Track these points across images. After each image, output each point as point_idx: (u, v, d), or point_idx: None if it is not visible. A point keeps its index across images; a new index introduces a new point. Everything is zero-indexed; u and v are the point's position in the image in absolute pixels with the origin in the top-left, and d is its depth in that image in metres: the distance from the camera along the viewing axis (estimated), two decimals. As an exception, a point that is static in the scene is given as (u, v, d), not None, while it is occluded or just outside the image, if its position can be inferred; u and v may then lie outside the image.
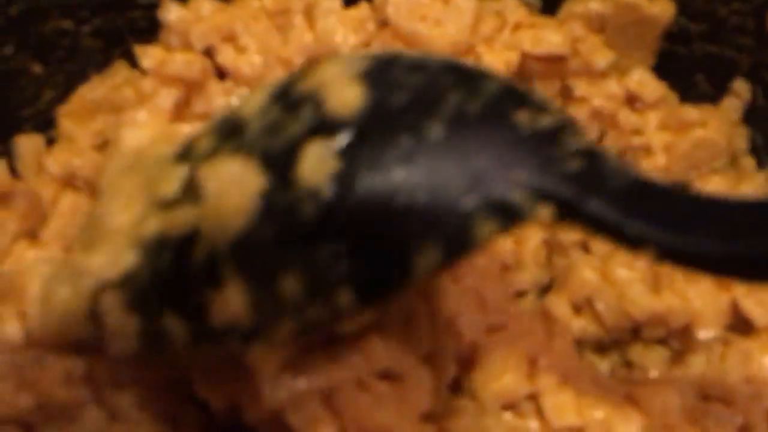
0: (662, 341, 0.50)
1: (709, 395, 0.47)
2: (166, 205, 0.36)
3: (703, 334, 0.47)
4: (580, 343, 0.50)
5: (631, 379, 0.50)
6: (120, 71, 0.56)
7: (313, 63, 0.36)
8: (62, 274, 0.39)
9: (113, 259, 0.36)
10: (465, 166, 0.31)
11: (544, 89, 0.60)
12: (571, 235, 0.51)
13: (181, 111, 0.54)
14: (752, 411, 0.46)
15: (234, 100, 0.48)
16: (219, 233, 0.33)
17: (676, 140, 0.57)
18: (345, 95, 0.33)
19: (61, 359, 0.38)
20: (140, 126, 0.51)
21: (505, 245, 0.51)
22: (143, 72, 0.52)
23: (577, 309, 0.50)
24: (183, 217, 0.34)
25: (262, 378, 0.34)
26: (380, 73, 0.34)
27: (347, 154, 0.31)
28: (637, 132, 0.58)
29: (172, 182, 0.36)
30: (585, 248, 0.51)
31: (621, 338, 0.51)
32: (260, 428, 0.37)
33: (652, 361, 0.50)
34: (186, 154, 0.37)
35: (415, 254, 0.31)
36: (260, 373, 0.34)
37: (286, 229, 0.32)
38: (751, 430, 0.45)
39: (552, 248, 0.52)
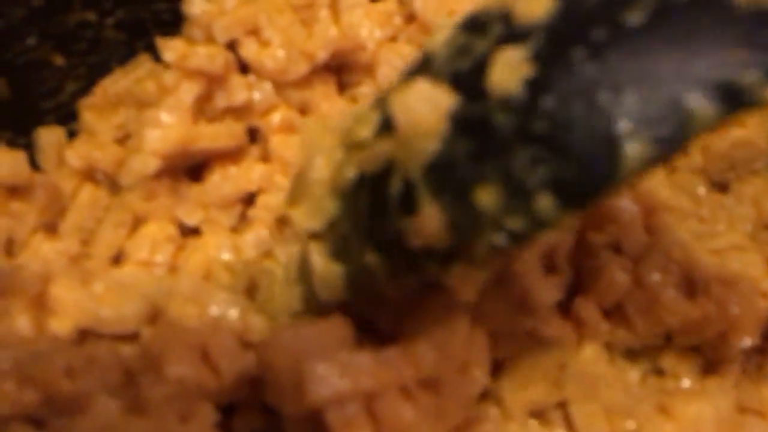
0: (696, 349, 0.48)
1: (745, 407, 0.45)
2: (362, 147, 0.37)
3: (740, 343, 0.45)
4: (610, 349, 0.48)
5: (662, 388, 0.48)
6: (143, 64, 0.56)
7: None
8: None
9: (316, 210, 0.39)
10: (675, 50, 0.29)
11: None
12: (601, 236, 0.49)
13: (202, 106, 0.53)
14: (791, 424, 0.44)
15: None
16: (413, 159, 0.32)
17: (714, 140, 0.55)
18: (533, 3, 0.31)
19: (62, 352, 0.38)
20: (164, 126, 0.50)
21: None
22: (166, 65, 0.52)
23: (607, 313, 0.48)
24: (378, 153, 0.35)
25: (306, 373, 0.34)
26: None
27: (539, 57, 0.30)
28: (673, 131, 0.56)
29: (367, 126, 0.37)
30: (616, 249, 0.49)
31: (652, 344, 0.49)
32: (295, 428, 0.36)
33: (685, 369, 0.48)
34: (380, 101, 0.38)
35: (621, 151, 0.29)
36: (310, 366, 0.34)
37: (481, 142, 0.31)
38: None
39: (581, 249, 0.50)
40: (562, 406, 0.44)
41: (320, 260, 0.39)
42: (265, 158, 0.54)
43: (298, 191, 0.41)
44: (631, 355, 0.50)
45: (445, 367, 0.37)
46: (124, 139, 0.54)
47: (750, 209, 0.52)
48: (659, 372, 0.49)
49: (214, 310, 0.42)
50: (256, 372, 0.40)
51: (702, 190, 0.53)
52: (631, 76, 0.29)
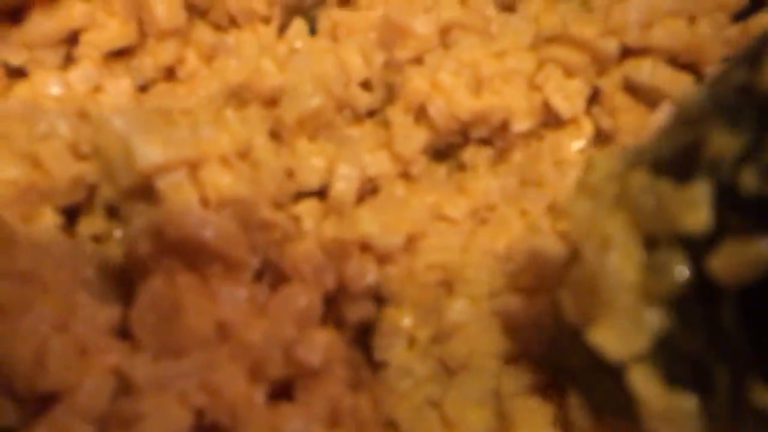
0: (488, 141, 0.56)
1: (526, 180, 0.54)
2: (694, 241, 0.29)
3: (518, 127, 0.53)
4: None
5: (464, 177, 0.56)
6: None
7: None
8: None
9: (632, 327, 0.30)
10: None
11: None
12: (404, 52, 0.55)
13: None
14: (560, 189, 0.53)
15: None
16: None
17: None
18: None
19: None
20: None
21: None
22: None
23: (414, 118, 0.55)
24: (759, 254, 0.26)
25: (134, 146, 0.37)
26: None
27: None
28: None
29: (699, 211, 0.28)
30: (418, 62, 0.56)
31: (454, 142, 0.56)
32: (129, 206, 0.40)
33: (481, 160, 0.56)
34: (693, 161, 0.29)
35: None
36: (137, 138, 0.37)
37: None
38: (557, 205, 0.52)
39: (389, 66, 0.57)
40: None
41: (653, 390, 0.30)
42: (85, -4, 0.55)
43: (590, 304, 0.32)
44: (439, 155, 0.57)
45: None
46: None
47: (532, 24, 0.60)
48: (461, 167, 0.58)
49: (43, 127, 0.44)
50: (92, 178, 0.44)
51: (491, 11, 0.61)
52: None
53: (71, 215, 0.45)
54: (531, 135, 0.55)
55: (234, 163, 0.40)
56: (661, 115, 0.54)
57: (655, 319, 0.30)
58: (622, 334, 0.30)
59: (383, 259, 0.46)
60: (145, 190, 0.39)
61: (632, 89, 0.55)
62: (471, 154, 0.57)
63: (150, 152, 0.38)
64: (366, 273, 0.45)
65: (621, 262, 0.31)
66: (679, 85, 0.53)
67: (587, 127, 0.54)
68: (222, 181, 0.39)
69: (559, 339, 0.37)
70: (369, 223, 0.46)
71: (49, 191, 0.43)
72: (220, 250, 0.38)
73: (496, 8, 0.62)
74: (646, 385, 0.31)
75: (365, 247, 0.46)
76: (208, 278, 0.39)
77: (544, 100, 0.54)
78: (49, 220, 0.43)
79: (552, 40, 0.58)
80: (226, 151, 0.40)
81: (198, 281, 0.38)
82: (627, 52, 0.55)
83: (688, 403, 0.30)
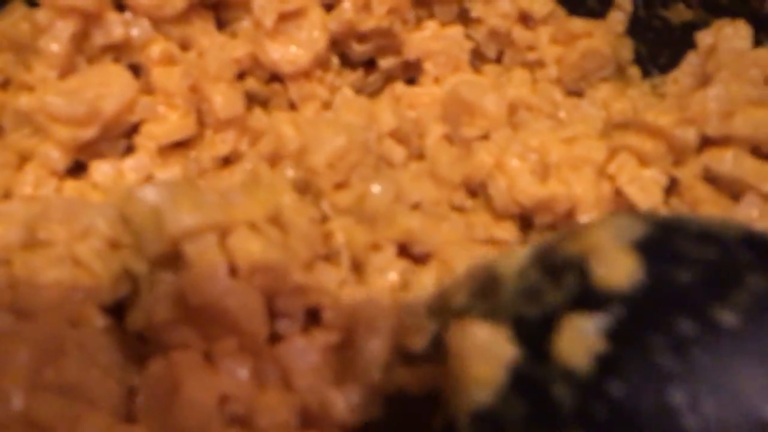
0: (552, 229, 0.53)
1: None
2: (412, 359, 0.36)
3: (584, 218, 0.50)
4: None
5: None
6: (17, 10, 0.56)
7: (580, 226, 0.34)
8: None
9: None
10: (762, 361, 0.26)
11: (444, 13, 0.62)
12: (472, 129, 0.53)
13: (81, 45, 0.54)
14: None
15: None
16: (461, 401, 0.30)
17: (566, 52, 0.60)
18: (616, 266, 0.29)
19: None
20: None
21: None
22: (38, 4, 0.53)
23: (473, 194, 0.52)
24: (425, 376, 0.35)
25: (162, 213, 0.36)
26: (660, 242, 0.29)
27: (614, 335, 0.27)
28: (531, 48, 0.61)
29: (422, 336, 0.36)
30: (486, 138, 0.53)
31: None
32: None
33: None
34: (439, 306, 0.37)
35: None
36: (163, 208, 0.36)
37: (536, 410, 0.28)
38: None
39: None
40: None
41: None
42: (148, 91, 0.56)
43: None
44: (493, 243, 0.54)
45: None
46: (4, 85, 0.55)
47: (601, 111, 0.57)
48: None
49: (82, 222, 0.43)
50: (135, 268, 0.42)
51: (558, 95, 0.58)
52: (712, 380, 0.26)
53: (119, 312, 0.44)
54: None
55: (264, 228, 0.38)
56: (745, 208, 0.49)
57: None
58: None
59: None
60: (172, 258, 0.37)
61: (713, 180, 0.51)
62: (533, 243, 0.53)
63: (180, 217, 0.36)
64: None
65: None
66: (763, 175, 0.49)
67: (665, 220, 0.50)
68: (252, 247, 0.37)
69: None
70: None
71: (93, 289, 0.41)
72: (238, 323, 0.36)
73: (564, 93, 0.60)
74: None
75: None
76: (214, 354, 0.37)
77: (615, 190, 0.51)
78: (96, 321, 0.41)
79: (624, 126, 0.55)
80: (257, 217, 0.38)
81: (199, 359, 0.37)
82: (706, 142, 0.51)
83: None
